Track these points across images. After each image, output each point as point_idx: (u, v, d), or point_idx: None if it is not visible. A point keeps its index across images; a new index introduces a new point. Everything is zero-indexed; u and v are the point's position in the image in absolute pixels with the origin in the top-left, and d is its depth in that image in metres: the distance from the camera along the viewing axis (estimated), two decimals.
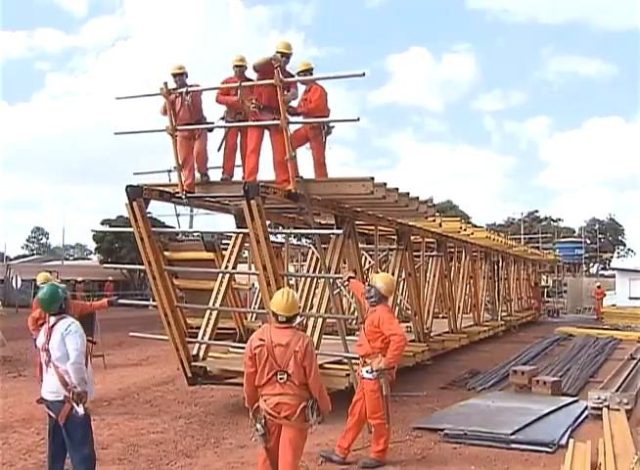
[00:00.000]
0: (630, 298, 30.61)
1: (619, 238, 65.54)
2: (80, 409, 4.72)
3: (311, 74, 8.06)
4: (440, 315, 15.81)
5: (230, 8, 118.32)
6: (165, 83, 7.89)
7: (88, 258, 63.77)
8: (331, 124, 8.24)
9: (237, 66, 8.28)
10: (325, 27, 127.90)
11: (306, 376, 4.57)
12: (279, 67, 7.47)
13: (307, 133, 8.15)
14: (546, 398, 9.00)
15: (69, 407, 4.71)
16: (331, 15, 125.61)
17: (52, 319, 4.90)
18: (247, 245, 10.08)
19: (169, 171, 9.22)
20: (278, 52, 7.70)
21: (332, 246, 8.99)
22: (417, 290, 12.43)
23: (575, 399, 8.95)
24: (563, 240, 46.73)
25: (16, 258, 58.47)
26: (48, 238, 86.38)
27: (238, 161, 8.47)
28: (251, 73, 8.16)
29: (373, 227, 10.86)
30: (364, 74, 6.84)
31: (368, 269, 13.19)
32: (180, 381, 9.57)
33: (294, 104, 7.98)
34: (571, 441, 6.43)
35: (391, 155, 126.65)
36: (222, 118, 8.44)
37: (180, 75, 8.12)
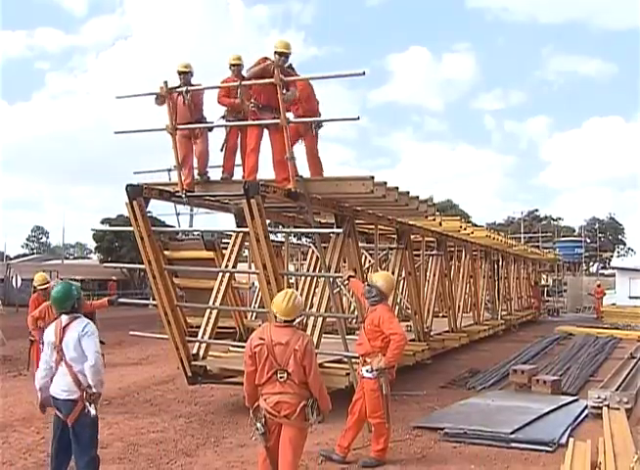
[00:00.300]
0: (630, 297, 30.60)
1: (619, 237, 65.52)
2: (93, 410, 4.72)
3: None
4: (440, 314, 15.81)
5: (230, 7, 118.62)
6: (166, 82, 7.88)
7: (88, 258, 63.84)
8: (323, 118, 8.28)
9: (233, 65, 8.28)
10: (325, 27, 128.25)
11: (306, 375, 4.58)
12: (277, 66, 7.46)
13: (299, 128, 8.15)
14: (546, 397, 9.00)
15: (82, 407, 4.70)
16: (331, 14, 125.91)
17: (64, 318, 4.85)
18: (247, 244, 10.07)
19: (169, 170, 9.22)
20: (276, 52, 7.68)
21: (332, 245, 8.99)
22: (417, 289, 12.42)
23: (575, 398, 8.95)
24: (563, 239, 46.66)
25: (16, 257, 58.52)
26: (48, 237, 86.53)
27: (238, 160, 8.47)
28: None
29: (373, 226, 10.86)
30: (364, 73, 6.83)
31: (368, 268, 13.19)
32: (180, 380, 9.57)
33: None
34: (571, 440, 6.43)
35: (391, 154, 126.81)
36: (223, 117, 8.43)
37: (186, 74, 8.11)
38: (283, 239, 12.36)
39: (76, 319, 4.85)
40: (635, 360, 12.23)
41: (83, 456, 4.75)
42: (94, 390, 4.72)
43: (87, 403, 4.70)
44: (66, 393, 4.72)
